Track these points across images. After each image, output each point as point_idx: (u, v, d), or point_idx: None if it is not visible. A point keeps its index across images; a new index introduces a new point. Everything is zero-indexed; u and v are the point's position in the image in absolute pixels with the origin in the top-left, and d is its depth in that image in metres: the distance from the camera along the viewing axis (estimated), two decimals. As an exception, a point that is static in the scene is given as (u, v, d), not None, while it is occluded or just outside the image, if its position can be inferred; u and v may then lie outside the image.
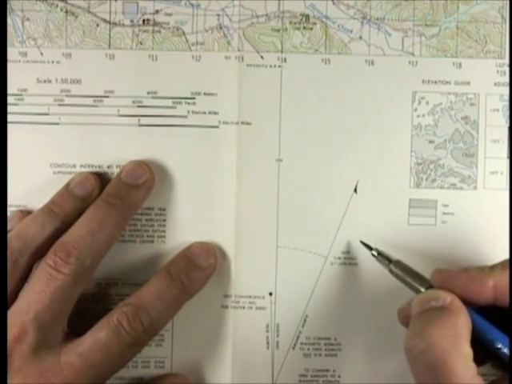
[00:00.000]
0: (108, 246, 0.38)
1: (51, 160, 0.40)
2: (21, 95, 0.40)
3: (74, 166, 0.40)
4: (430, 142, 0.40)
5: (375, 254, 0.38)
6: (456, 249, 0.40)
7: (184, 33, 0.40)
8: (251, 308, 0.40)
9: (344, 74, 0.40)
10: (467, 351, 0.30)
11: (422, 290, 0.35)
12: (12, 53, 0.40)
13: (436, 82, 0.40)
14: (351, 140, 0.40)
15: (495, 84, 0.40)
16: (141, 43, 0.40)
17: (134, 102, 0.40)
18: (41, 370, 0.34)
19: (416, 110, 0.40)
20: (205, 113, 0.40)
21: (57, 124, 0.40)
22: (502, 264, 0.33)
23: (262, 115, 0.40)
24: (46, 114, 0.40)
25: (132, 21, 0.40)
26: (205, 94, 0.40)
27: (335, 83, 0.40)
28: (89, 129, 0.40)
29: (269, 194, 0.40)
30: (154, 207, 0.40)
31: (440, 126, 0.40)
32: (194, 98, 0.40)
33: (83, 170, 0.40)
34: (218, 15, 0.40)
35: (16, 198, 0.40)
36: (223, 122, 0.40)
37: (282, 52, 0.40)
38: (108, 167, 0.40)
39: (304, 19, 0.40)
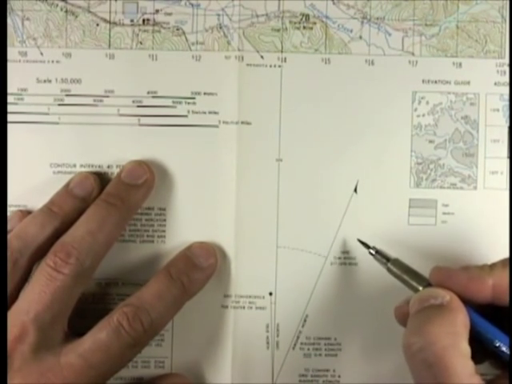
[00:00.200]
0: (108, 246, 0.38)
1: (51, 160, 0.40)
2: (21, 95, 0.40)
3: (74, 165, 0.40)
4: (430, 141, 0.40)
5: (373, 252, 0.38)
6: (456, 248, 0.40)
7: (184, 32, 0.40)
8: (251, 308, 0.40)
9: (344, 73, 0.40)
10: (466, 349, 0.30)
11: (420, 288, 0.35)
12: (12, 52, 0.40)
13: (436, 82, 0.40)
14: (351, 140, 0.40)
15: (495, 84, 0.40)
16: (141, 43, 0.40)
17: (133, 101, 0.40)
18: (41, 370, 0.34)
19: (416, 109, 0.40)
20: (205, 112, 0.40)
21: (57, 124, 0.40)
22: (501, 263, 0.33)
23: (262, 115, 0.40)
24: (46, 114, 0.40)
25: (132, 20, 0.40)
26: (205, 93, 0.40)
27: (335, 83, 0.40)
28: (89, 129, 0.40)
29: (269, 194, 0.40)
30: (154, 207, 0.40)
31: (440, 126, 0.40)
32: (194, 98, 0.40)
33: (83, 169, 0.40)
34: (218, 15, 0.40)
35: (16, 198, 0.40)
36: (223, 122, 0.40)
37: (281, 52, 0.40)
38: (108, 167, 0.40)
39: (304, 19, 0.40)
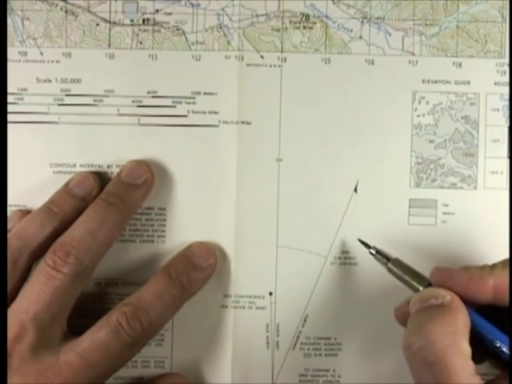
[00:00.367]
0: (107, 245, 0.38)
1: (51, 160, 0.40)
2: (21, 95, 0.40)
3: (74, 165, 0.40)
4: (430, 141, 0.40)
5: (373, 252, 0.38)
6: (456, 248, 0.40)
7: (184, 32, 0.40)
8: (251, 308, 0.40)
9: (344, 73, 0.40)
10: (466, 349, 0.30)
11: (421, 288, 0.35)
12: (12, 52, 0.40)
13: (436, 82, 0.40)
14: (351, 140, 0.40)
15: (495, 83, 0.40)
16: (141, 43, 0.40)
17: (133, 101, 0.40)
18: (40, 370, 0.34)
19: (416, 109, 0.40)
20: (205, 112, 0.40)
21: (57, 123, 0.40)
22: (502, 263, 0.33)
23: (262, 115, 0.40)
24: (46, 114, 0.40)
25: (132, 20, 0.40)
26: (205, 93, 0.40)
27: (335, 83, 0.40)
28: (89, 128, 0.40)
29: (269, 194, 0.40)
30: (154, 207, 0.40)
31: (440, 126, 0.40)
32: (193, 98, 0.40)
33: (83, 169, 0.40)
34: (218, 15, 0.40)
35: (16, 198, 0.40)
36: (223, 122, 0.40)
37: (282, 52, 0.40)
38: (108, 167, 0.40)
39: (304, 19, 0.40)
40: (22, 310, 0.35)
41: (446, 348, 0.30)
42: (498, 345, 0.32)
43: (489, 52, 0.40)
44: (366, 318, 0.40)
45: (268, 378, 0.40)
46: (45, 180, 0.40)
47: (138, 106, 0.40)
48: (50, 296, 0.35)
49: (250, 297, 0.40)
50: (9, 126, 0.40)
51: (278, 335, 0.40)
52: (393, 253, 0.38)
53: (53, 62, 0.40)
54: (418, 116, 0.40)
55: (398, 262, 0.37)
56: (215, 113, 0.40)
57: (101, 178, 0.40)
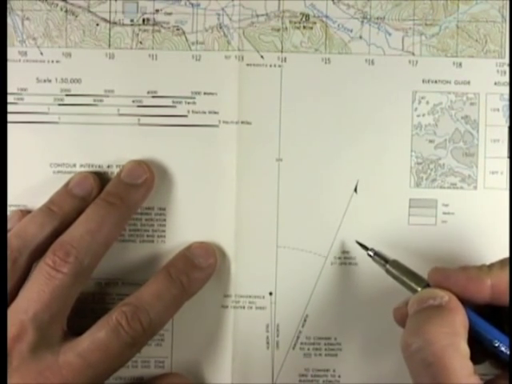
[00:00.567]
0: (107, 245, 0.38)
1: (51, 160, 0.40)
2: (21, 95, 0.40)
3: (74, 165, 0.41)
4: (430, 141, 0.40)
5: (371, 254, 0.38)
6: (456, 248, 0.40)
7: (184, 32, 0.40)
8: (251, 308, 0.40)
9: (344, 73, 0.40)
10: (464, 349, 0.30)
11: (419, 289, 0.35)
12: (12, 52, 0.40)
13: (436, 82, 0.40)
14: (351, 140, 0.40)
15: (495, 83, 0.40)
16: (141, 43, 0.40)
17: (133, 101, 0.40)
18: (39, 369, 0.34)
19: (416, 109, 0.40)
20: (205, 112, 0.40)
21: (57, 123, 0.40)
22: (500, 263, 0.33)
23: (262, 115, 0.40)
24: (46, 114, 0.40)
25: (132, 20, 0.40)
26: (205, 93, 0.40)
27: (335, 83, 0.40)
28: (89, 128, 0.40)
29: (269, 194, 0.40)
30: (154, 207, 0.40)
31: (440, 126, 0.40)
32: (193, 98, 0.40)
33: (83, 169, 0.40)
34: (218, 15, 0.40)
35: (16, 198, 0.40)
36: (223, 122, 0.40)
37: (282, 52, 0.40)
38: (108, 167, 0.40)
39: (304, 19, 0.40)
40: (22, 309, 0.35)
41: (445, 348, 0.30)
42: (496, 344, 0.32)
43: (489, 52, 0.40)
44: (366, 317, 0.40)
45: (268, 378, 0.40)
46: (45, 180, 0.40)
47: (138, 106, 0.40)
48: (49, 296, 0.35)
49: (249, 297, 0.40)
50: (9, 125, 0.40)
51: (277, 335, 0.40)
52: (393, 253, 0.38)
53: (53, 61, 0.40)
54: (418, 116, 0.40)
55: (395, 264, 0.37)
56: (215, 113, 0.40)
57: (101, 178, 0.40)
